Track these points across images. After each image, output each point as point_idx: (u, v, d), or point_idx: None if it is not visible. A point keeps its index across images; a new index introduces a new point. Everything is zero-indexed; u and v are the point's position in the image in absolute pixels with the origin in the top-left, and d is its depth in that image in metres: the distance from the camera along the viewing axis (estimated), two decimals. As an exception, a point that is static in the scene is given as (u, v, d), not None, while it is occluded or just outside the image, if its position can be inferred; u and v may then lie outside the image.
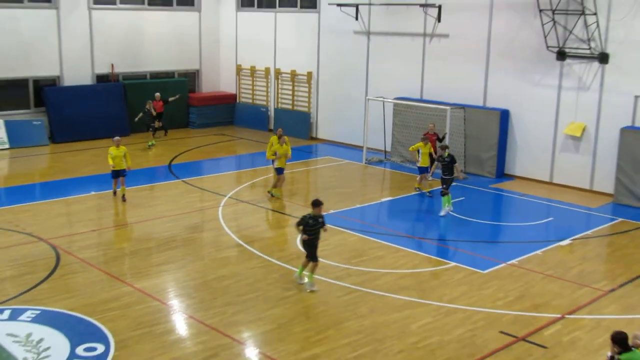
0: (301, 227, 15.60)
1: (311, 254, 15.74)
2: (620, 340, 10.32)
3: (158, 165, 27.77)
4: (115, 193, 22.90)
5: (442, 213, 21.68)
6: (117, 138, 22.66)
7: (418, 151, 23.87)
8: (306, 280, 15.94)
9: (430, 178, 25.03)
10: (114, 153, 22.27)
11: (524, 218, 22.02)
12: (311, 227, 15.59)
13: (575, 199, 24.06)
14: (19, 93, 31.94)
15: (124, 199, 22.51)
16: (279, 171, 23.41)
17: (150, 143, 31.45)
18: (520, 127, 26.62)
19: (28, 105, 32.04)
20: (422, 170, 24.02)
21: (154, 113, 31.84)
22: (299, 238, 17.26)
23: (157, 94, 32.47)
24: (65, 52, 32.73)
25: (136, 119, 32.08)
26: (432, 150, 24.17)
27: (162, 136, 33.24)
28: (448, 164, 21.94)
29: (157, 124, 32.08)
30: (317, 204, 15.72)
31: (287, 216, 21.37)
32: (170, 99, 32.90)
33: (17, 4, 31.22)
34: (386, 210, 23.11)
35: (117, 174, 22.59)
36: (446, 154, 22.05)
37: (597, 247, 19.52)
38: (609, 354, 10.22)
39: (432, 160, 24.02)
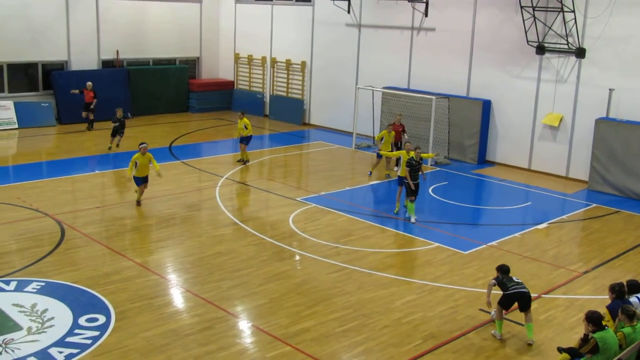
0: (408, 169, 18.67)
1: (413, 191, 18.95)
2: (594, 319, 10.27)
3: (159, 147, 27.51)
4: (139, 202, 19.90)
5: (414, 220, 19.22)
6: (143, 145, 19.45)
7: (381, 139, 24.09)
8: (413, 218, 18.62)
9: (395, 169, 24.67)
10: (140, 161, 19.29)
11: (504, 202, 21.94)
12: (414, 167, 18.86)
13: (552, 185, 24.00)
14: (28, 76, 31.69)
15: (139, 203, 19.87)
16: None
17: (109, 146, 26.92)
18: (501, 116, 26.53)
19: (37, 88, 31.75)
20: (381, 157, 24.10)
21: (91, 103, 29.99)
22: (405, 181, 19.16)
23: (89, 83, 30.34)
24: (73, 38, 32.40)
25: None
26: (392, 140, 24.34)
27: (88, 129, 30.49)
28: (418, 168, 19.30)
29: (84, 114, 30.16)
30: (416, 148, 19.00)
31: (281, 197, 21.20)
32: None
33: (28, -9, 30.92)
34: (374, 192, 22.96)
35: (143, 180, 19.76)
36: (416, 156, 19.20)
37: (572, 231, 19.44)
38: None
39: (397, 149, 24.08)
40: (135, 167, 19.37)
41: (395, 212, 19.92)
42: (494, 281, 12.63)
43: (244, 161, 25.34)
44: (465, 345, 12.30)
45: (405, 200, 19.90)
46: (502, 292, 12.48)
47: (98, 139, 28.45)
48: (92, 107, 30.18)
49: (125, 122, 26.99)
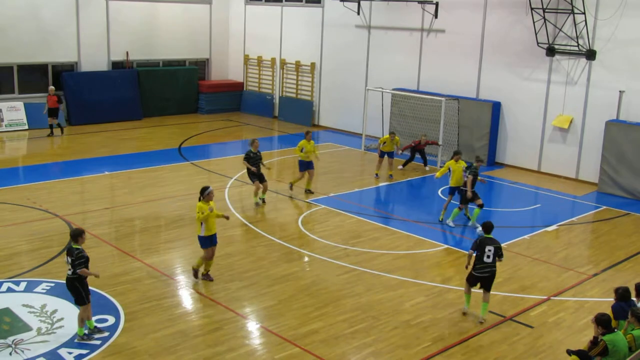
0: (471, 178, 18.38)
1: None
2: (603, 322, 10.23)
3: (168, 148, 27.56)
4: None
5: (452, 224, 19.27)
6: (209, 191, 14.55)
7: (383, 143, 24.23)
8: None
9: (400, 167, 25.44)
10: (213, 213, 14.53)
11: (513, 204, 21.89)
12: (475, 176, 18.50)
13: (562, 187, 23.93)
14: (38, 77, 31.73)
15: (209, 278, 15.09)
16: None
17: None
18: (510, 118, 26.48)
19: (47, 89, 31.74)
20: (389, 155, 24.27)
21: (46, 109, 28.86)
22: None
23: (51, 87, 29.46)
24: (83, 40, 32.49)
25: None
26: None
27: (59, 134, 29.57)
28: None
29: (50, 120, 29.00)
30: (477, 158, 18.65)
31: (290, 198, 21.21)
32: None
33: (38, -7, 31.04)
34: (383, 194, 22.96)
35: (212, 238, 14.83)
36: (477, 166, 19.03)
37: (582, 233, 19.39)
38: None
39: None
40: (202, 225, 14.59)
41: (440, 219, 19.50)
42: (471, 251, 13.52)
43: (308, 190, 21.99)
44: (474, 347, 12.28)
45: (460, 209, 19.31)
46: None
47: (108, 141, 28.53)
48: (58, 113, 29.18)
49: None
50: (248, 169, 20.16)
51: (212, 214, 14.33)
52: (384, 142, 24.09)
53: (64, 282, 12.59)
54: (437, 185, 23.55)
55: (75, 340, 11.86)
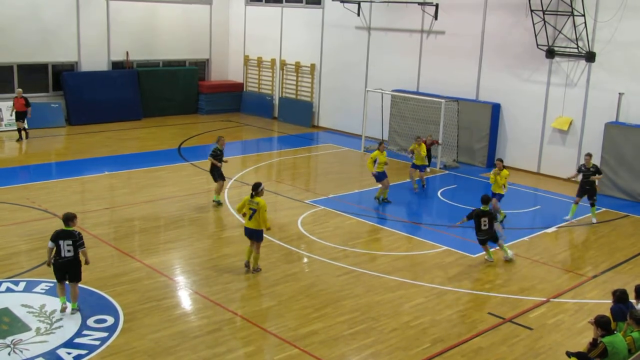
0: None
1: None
2: (603, 324, 10.20)
3: (168, 149, 27.55)
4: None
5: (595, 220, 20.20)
6: (263, 187, 15.32)
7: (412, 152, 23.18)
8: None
9: (428, 169, 24.93)
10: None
11: (513, 206, 21.83)
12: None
13: (561, 188, 23.91)
14: (38, 77, 31.72)
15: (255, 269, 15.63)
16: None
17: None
18: (510, 120, 26.48)
19: (47, 88, 31.85)
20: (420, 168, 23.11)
21: (12, 112, 27.87)
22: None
23: (19, 90, 28.26)
24: (83, 40, 32.48)
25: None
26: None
27: (25, 138, 28.24)
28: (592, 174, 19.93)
29: (19, 124, 27.72)
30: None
31: (289, 199, 21.19)
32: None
33: (39, -7, 31.02)
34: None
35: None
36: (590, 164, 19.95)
37: (581, 235, 19.37)
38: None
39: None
40: None
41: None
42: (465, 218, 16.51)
43: (381, 199, 21.55)
44: (473, 349, 12.26)
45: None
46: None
47: (108, 141, 28.52)
48: (27, 116, 28.04)
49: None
50: (214, 167, 20.45)
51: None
52: (412, 152, 23.05)
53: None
54: (437, 186, 23.55)
55: (71, 313, 12.75)
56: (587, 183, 19.97)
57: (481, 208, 16.10)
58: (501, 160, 19.90)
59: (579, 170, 20.36)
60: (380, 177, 21.19)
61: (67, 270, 12.69)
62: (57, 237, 12.64)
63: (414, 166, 22.93)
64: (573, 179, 21.72)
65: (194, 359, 11.46)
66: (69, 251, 12.58)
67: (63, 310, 12.79)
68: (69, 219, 12.76)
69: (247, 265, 15.47)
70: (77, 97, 31.68)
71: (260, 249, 15.41)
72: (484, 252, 16.66)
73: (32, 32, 30.79)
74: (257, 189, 15.12)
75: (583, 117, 24.41)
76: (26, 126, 28.29)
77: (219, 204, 20.39)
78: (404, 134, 28.42)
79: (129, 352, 11.56)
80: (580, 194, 20.11)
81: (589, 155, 20.10)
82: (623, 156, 22.88)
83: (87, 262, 12.93)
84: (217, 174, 20.44)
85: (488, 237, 16.26)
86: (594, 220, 20.22)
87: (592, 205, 20.17)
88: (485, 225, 15.93)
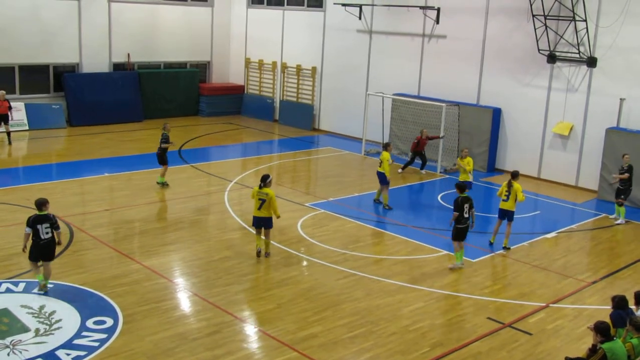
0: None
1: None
2: (603, 330, 10.19)
3: (168, 150, 27.50)
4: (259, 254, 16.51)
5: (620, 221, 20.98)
6: (271, 179, 16.25)
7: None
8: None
9: (423, 172, 25.16)
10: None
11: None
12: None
13: (561, 194, 23.93)
14: (39, 78, 31.75)
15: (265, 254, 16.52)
16: None
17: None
18: (511, 124, 26.49)
19: (48, 90, 31.87)
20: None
21: None
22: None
23: (2, 92, 27.36)
24: (85, 41, 32.51)
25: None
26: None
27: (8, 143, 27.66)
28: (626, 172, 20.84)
29: (5, 127, 27.20)
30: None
31: (289, 202, 21.18)
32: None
33: (41, -6, 31.07)
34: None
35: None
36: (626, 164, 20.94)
37: (581, 241, 19.37)
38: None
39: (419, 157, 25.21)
40: None
41: (491, 242, 18.43)
42: (456, 213, 16.07)
43: (383, 203, 21.41)
44: (472, 353, 12.26)
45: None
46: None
47: (109, 142, 28.53)
48: (10, 119, 27.45)
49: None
50: (164, 151, 22.09)
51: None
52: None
53: (63, 283, 12.68)
54: (436, 190, 23.55)
55: (38, 290, 13.72)
56: (619, 182, 20.90)
57: (460, 195, 16.22)
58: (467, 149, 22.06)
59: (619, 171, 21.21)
60: (384, 179, 21.13)
61: (45, 250, 13.60)
62: (34, 221, 13.50)
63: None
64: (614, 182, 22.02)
65: (192, 362, 11.48)
66: (47, 233, 13.55)
67: (43, 287, 13.70)
68: (42, 204, 13.65)
69: (259, 253, 16.34)
70: (78, 98, 31.71)
71: (270, 235, 16.41)
72: (454, 256, 16.51)
73: (33, 34, 30.82)
74: (265, 180, 16.05)
75: (584, 122, 24.42)
76: (10, 129, 27.63)
77: (164, 184, 22.12)
78: (405, 138, 28.44)
79: (128, 354, 11.55)
80: (616, 195, 21.11)
81: (625, 155, 21.14)
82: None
83: (59, 243, 13.91)
84: (165, 159, 22.17)
85: (467, 227, 16.18)
86: (621, 221, 20.94)
87: (619, 204, 20.95)
88: (466, 212, 16.08)
